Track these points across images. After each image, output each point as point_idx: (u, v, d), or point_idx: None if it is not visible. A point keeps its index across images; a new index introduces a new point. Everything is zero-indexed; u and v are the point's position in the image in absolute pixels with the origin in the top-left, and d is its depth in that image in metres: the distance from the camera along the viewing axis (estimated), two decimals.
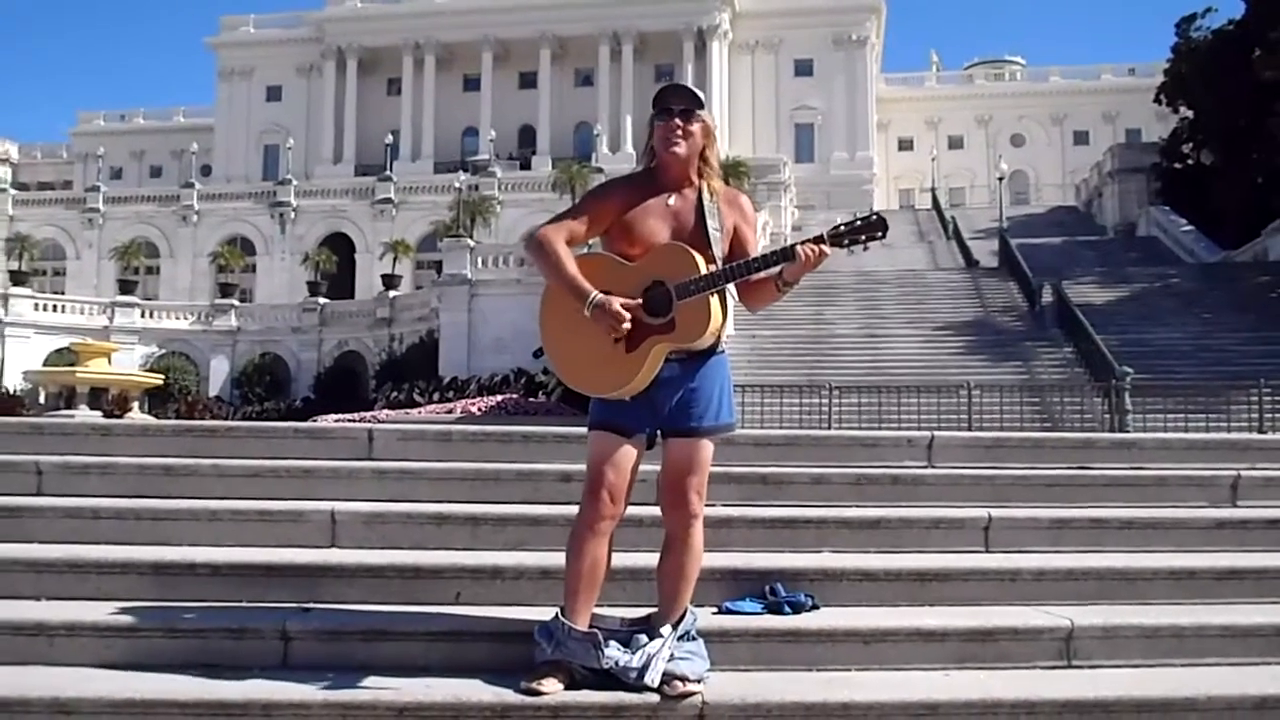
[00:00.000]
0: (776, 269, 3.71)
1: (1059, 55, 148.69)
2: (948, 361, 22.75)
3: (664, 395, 3.72)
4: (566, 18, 71.57)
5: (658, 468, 3.85)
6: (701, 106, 3.81)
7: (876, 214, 3.73)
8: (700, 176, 3.83)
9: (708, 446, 3.79)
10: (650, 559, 3.89)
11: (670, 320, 3.64)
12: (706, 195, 3.80)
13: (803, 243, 3.67)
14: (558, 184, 47.84)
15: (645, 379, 3.67)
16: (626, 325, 3.61)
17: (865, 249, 3.74)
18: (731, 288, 3.83)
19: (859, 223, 3.69)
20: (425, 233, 56.09)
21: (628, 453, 3.71)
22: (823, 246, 3.63)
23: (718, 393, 3.80)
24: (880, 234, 3.67)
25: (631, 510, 3.84)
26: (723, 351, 3.87)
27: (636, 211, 3.77)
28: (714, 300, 3.66)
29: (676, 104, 3.78)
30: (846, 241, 3.70)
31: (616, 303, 3.61)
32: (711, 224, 3.76)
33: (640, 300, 3.66)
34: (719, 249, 3.73)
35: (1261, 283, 28.01)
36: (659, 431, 3.78)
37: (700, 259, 3.65)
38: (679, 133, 3.76)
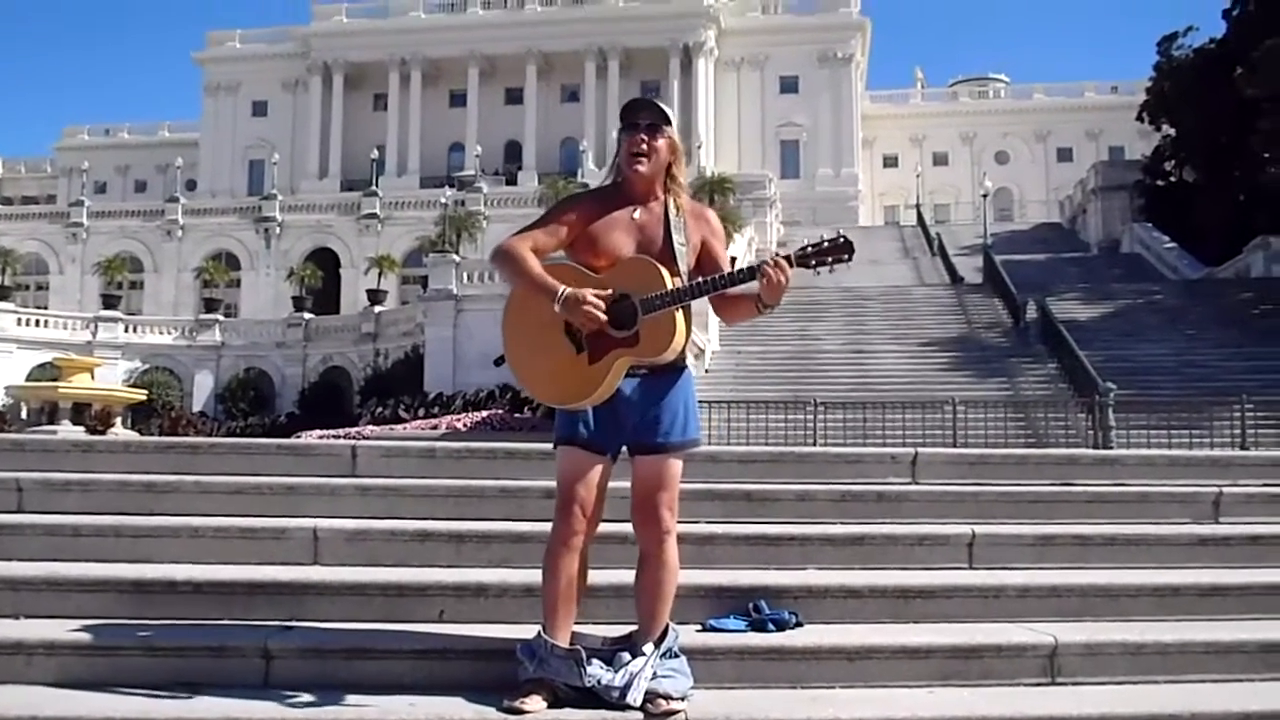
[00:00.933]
0: (755, 289, 3.70)
1: (1042, 73, 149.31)
2: (932, 377, 22.82)
3: (627, 411, 3.71)
4: (553, 34, 71.78)
5: (628, 484, 3.83)
6: (668, 122, 3.82)
7: (843, 236, 3.71)
8: (667, 191, 3.84)
9: (675, 463, 3.78)
10: (633, 575, 3.88)
11: (635, 334, 3.63)
12: (673, 210, 3.80)
13: (768, 263, 3.64)
14: (544, 199, 47.87)
15: (607, 391, 3.66)
16: (602, 316, 3.59)
17: (831, 270, 3.73)
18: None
19: (826, 244, 3.68)
20: (411, 248, 55.99)
21: (595, 468, 3.71)
22: (787, 269, 3.62)
23: (683, 409, 3.78)
24: (847, 256, 3.66)
25: (615, 527, 3.84)
26: (686, 368, 3.86)
27: (602, 224, 3.77)
28: (679, 316, 3.66)
29: (643, 119, 3.79)
30: (813, 263, 3.69)
31: (588, 293, 3.59)
32: (678, 238, 3.76)
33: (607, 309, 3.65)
34: (684, 264, 3.73)
35: (1244, 299, 28.21)
36: (625, 448, 3.77)
37: (666, 273, 3.64)
38: (644, 147, 3.77)
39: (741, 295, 3.75)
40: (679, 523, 3.83)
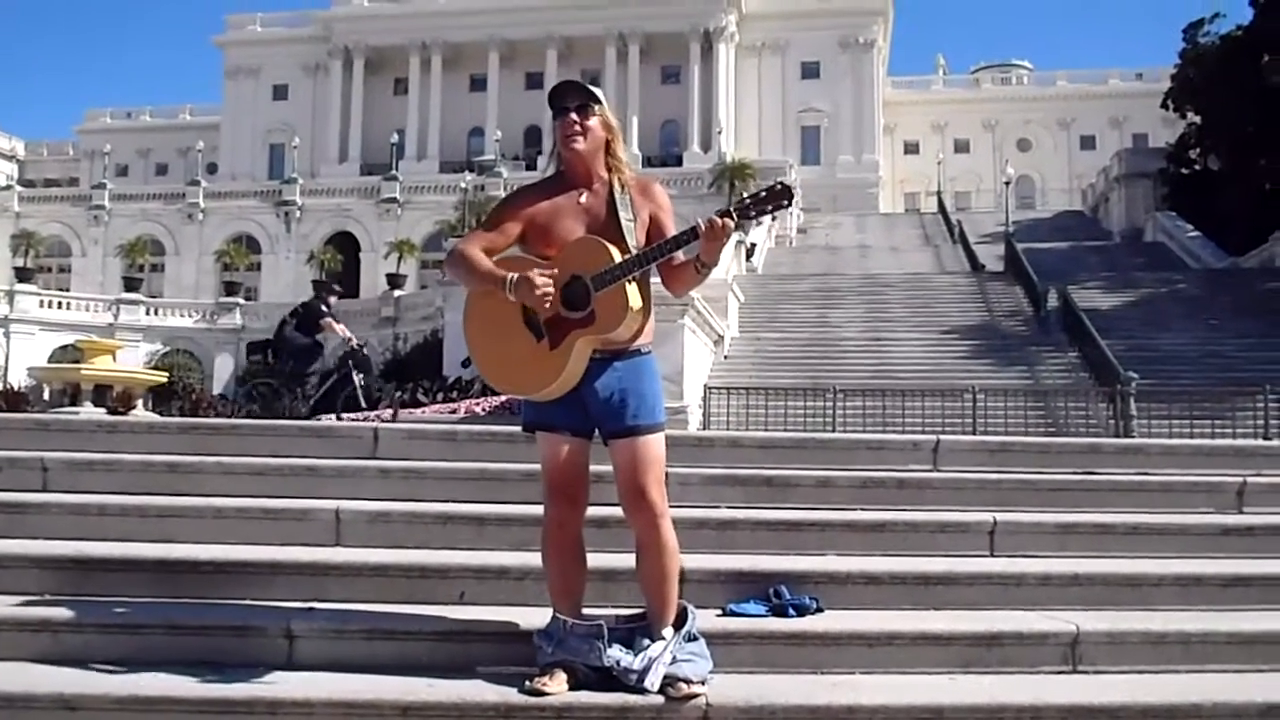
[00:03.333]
0: (694, 250, 3.69)
1: (1066, 60, 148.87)
2: (953, 366, 22.71)
3: (592, 396, 3.70)
4: (573, 18, 71.60)
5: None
6: (598, 101, 3.81)
7: (780, 183, 3.71)
8: (609, 170, 3.83)
9: (651, 443, 3.73)
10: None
11: (590, 313, 3.62)
12: (617, 188, 3.80)
13: (705, 221, 3.63)
14: None
15: (573, 375, 3.66)
16: (551, 290, 3.58)
17: (773, 219, 3.72)
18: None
19: (763, 193, 3.69)
20: (430, 232, 56.12)
21: (572, 449, 3.73)
22: (726, 220, 3.60)
23: (649, 392, 3.76)
24: (786, 202, 3.65)
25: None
26: (649, 353, 3.85)
27: (548, 212, 3.78)
28: (631, 288, 3.64)
29: (571, 100, 3.79)
30: (753, 213, 3.71)
31: (536, 273, 3.59)
32: (624, 215, 3.75)
33: (557, 285, 3.62)
34: (633, 239, 3.72)
35: (1269, 289, 27.92)
36: (598, 433, 3.77)
37: (614, 249, 3.63)
38: (577, 128, 3.76)
39: (685, 260, 3.75)
40: (691, 506, 3.82)
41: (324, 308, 13.99)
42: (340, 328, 13.63)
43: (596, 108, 3.79)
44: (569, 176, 3.84)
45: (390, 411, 12.12)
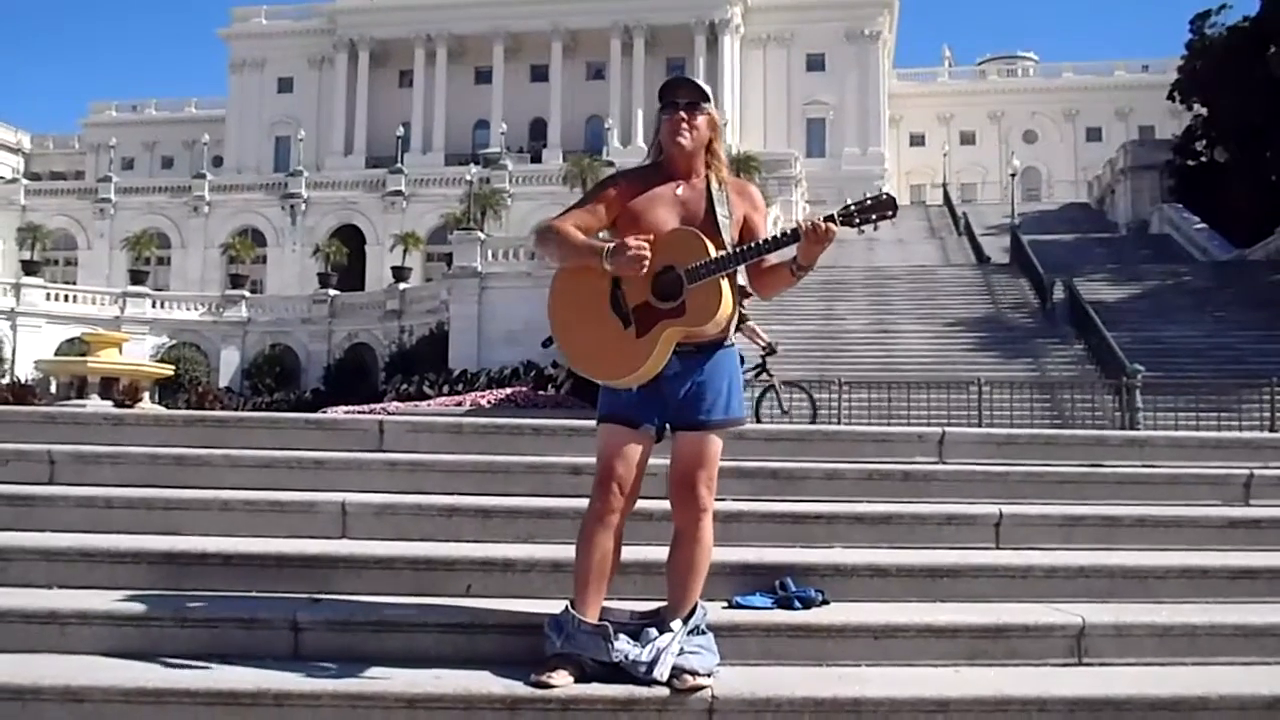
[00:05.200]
0: (790, 254, 3.70)
1: (1072, 51, 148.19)
2: (958, 358, 22.71)
3: (672, 387, 3.71)
4: (578, 10, 71.46)
5: (666, 462, 3.83)
6: (708, 99, 3.81)
7: (886, 193, 3.73)
8: (708, 168, 3.84)
9: (716, 441, 3.78)
10: (661, 553, 3.88)
11: (681, 304, 3.62)
12: (715, 185, 3.81)
13: (808, 223, 3.64)
14: (568, 177, 47.82)
15: (656, 364, 3.65)
16: (647, 254, 3.57)
17: (875, 229, 3.72)
18: (744, 278, 3.82)
19: (869, 201, 3.68)
20: (436, 225, 56.09)
21: (636, 446, 3.71)
22: (831, 225, 3.61)
23: (726, 386, 3.78)
24: (891, 213, 3.66)
25: (642, 504, 3.83)
26: (732, 344, 3.86)
27: (644, 201, 3.78)
28: (724, 284, 3.64)
29: (682, 97, 3.79)
30: (857, 220, 3.68)
31: (630, 238, 3.60)
32: (721, 211, 3.75)
33: (650, 274, 3.62)
34: (728, 236, 3.72)
35: (1275, 281, 27.85)
36: (668, 425, 3.77)
37: (709, 243, 3.64)
38: (685, 125, 3.77)
39: (778, 263, 3.75)
40: None
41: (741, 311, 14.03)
42: (760, 331, 13.66)
43: (705, 105, 3.80)
44: (668, 169, 3.84)
45: None
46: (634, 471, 3.70)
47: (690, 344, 3.72)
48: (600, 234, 3.83)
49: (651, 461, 3.79)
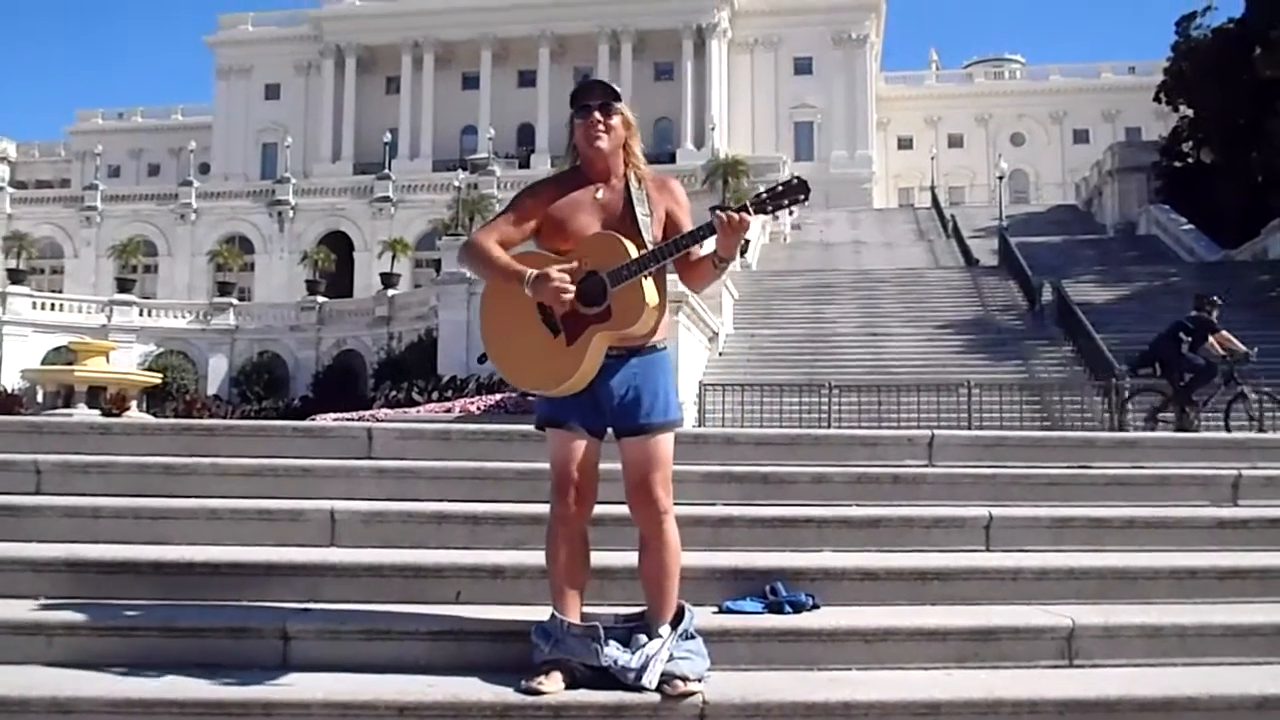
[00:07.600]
0: (711, 245, 3.69)
1: (1058, 54, 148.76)
2: (948, 360, 22.75)
3: (606, 393, 3.71)
4: (566, 16, 71.58)
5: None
6: (619, 99, 3.82)
7: (797, 178, 3.72)
8: (626, 167, 3.84)
9: (662, 442, 3.76)
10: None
11: (606, 308, 3.62)
12: (634, 184, 3.81)
13: (721, 213, 3.63)
14: None
15: (590, 371, 3.65)
16: (569, 288, 3.58)
17: (791, 214, 3.73)
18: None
19: (780, 188, 3.69)
20: (424, 231, 56.10)
21: (582, 447, 3.72)
22: (744, 214, 3.60)
23: (663, 389, 3.77)
24: (803, 196, 3.67)
25: (626, 509, 3.82)
26: (664, 349, 3.85)
27: (566, 207, 3.78)
28: (648, 284, 3.64)
29: (595, 99, 3.80)
30: (770, 207, 3.70)
31: (553, 269, 3.60)
32: (640, 211, 3.75)
33: (575, 283, 3.62)
34: (650, 235, 3.72)
35: (1261, 281, 27.99)
36: (610, 430, 3.77)
37: (630, 245, 3.64)
38: (600, 127, 3.77)
39: (703, 256, 3.76)
40: (687, 504, 3.82)
41: (1213, 319, 14.11)
42: (1234, 339, 13.52)
43: (617, 105, 3.81)
44: (587, 172, 3.84)
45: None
46: (586, 473, 3.72)
47: (622, 348, 3.72)
48: (525, 243, 3.82)
49: (615, 467, 3.79)
